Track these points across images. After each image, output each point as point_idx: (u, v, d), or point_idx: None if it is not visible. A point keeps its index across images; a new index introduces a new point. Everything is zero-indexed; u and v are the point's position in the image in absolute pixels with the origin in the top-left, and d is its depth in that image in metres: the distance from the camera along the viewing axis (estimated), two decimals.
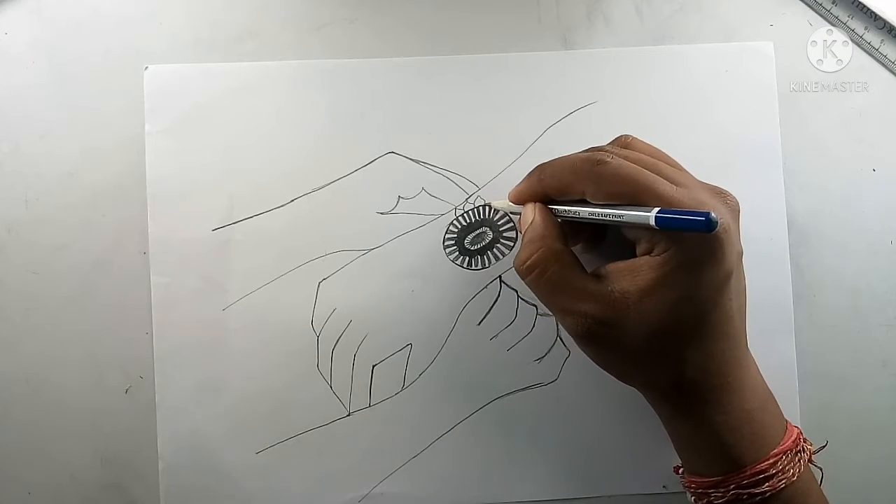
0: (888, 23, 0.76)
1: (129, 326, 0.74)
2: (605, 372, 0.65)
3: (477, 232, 0.74)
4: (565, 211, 0.64)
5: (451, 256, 0.74)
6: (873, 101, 0.77)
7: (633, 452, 0.74)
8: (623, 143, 0.67)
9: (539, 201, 0.66)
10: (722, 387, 0.62)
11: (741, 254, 0.62)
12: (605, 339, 0.61)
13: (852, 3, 0.77)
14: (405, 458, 0.74)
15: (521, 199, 0.67)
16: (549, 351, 0.74)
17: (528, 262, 0.64)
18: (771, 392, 0.66)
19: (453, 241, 0.74)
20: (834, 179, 0.77)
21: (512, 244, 0.74)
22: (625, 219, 0.59)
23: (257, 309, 0.74)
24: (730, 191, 0.63)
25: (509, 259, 0.74)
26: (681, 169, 0.65)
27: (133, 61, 0.75)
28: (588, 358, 0.65)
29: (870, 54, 0.77)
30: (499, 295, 0.74)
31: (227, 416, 0.74)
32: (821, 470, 0.66)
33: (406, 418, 0.74)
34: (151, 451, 0.74)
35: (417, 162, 0.75)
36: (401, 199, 0.74)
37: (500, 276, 0.74)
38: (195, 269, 0.74)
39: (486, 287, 0.74)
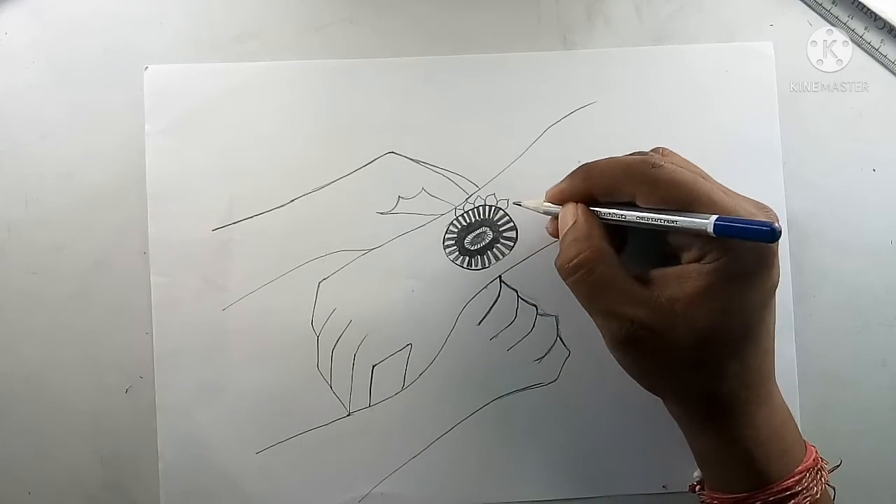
0: (888, 23, 0.76)
1: (129, 326, 0.74)
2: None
3: (477, 232, 0.74)
4: (609, 214, 0.63)
5: (451, 256, 0.74)
6: (873, 101, 0.77)
7: (633, 452, 0.74)
8: (662, 153, 0.67)
9: (580, 202, 0.65)
10: (753, 400, 0.62)
11: (779, 272, 0.62)
12: (648, 346, 0.60)
13: (852, 3, 0.76)
14: (405, 458, 0.74)
15: (561, 198, 0.66)
16: (548, 351, 0.74)
17: (574, 261, 0.62)
18: (790, 412, 0.66)
19: (453, 241, 0.74)
20: (834, 179, 0.77)
21: (512, 244, 0.74)
22: (679, 224, 0.58)
23: (257, 309, 0.74)
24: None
25: (509, 259, 0.74)
26: (715, 181, 0.65)
27: (133, 61, 0.75)
28: (614, 364, 0.64)
29: (870, 54, 0.77)
30: (499, 295, 0.74)
31: (227, 416, 0.74)
32: (833, 489, 0.66)
33: (406, 418, 0.74)
34: (151, 451, 0.74)
35: (417, 162, 0.75)
36: (401, 199, 0.74)
37: (500, 276, 0.74)
38: (195, 269, 0.74)
39: (486, 287, 0.74)
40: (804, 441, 0.65)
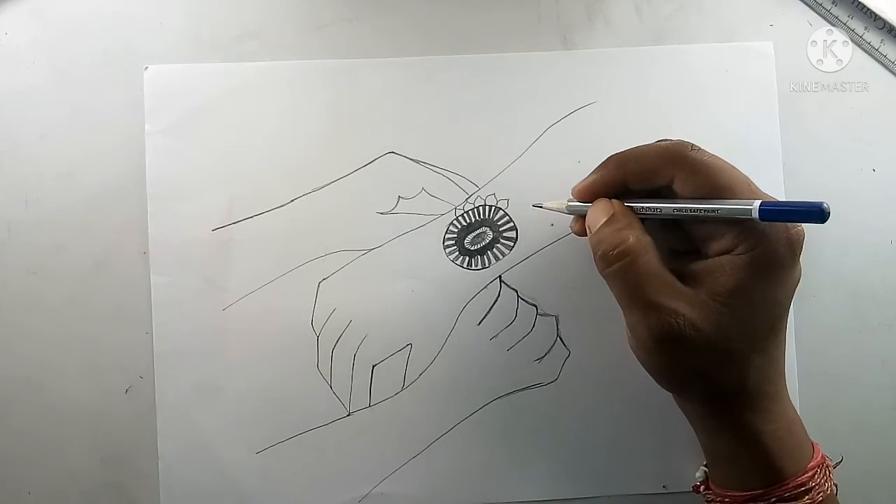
0: (888, 23, 0.76)
1: (129, 327, 0.74)
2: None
3: (477, 232, 0.74)
4: (643, 209, 0.62)
5: (451, 256, 0.74)
6: (873, 101, 0.77)
7: (633, 452, 0.74)
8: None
9: (612, 195, 0.64)
10: (772, 395, 0.62)
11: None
12: (689, 343, 0.58)
13: (852, 3, 0.76)
14: (405, 458, 0.74)
15: (592, 190, 0.65)
16: (548, 351, 0.74)
17: (619, 249, 0.60)
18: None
19: (453, 241, 0.74)
20: (834, 179, 0.77)
21: (512, 244, 0.74)
22: (720, 213, 0.57)
23: (257, 309, 0.74)
24: None
25: (509, 259, 0.74)
26: None
27: (133, 61, 0.75)
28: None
29: (870, 54, 0.77)
30: (499, 295, 0.74)
31: (226, 415, 0.74)
32: (836, 486, 0.66)
33: (406, 418, 0.74)
34: (151, 451, 0.74)
35: (417, 162, 0.75)
36: (401, 199, 0.74)
37: (500, 276, 0.74)
38: (195, 270, 0.74)
39: (486, 287, 0.74)
40: (811, 441, 0.65)
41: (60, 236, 0.74)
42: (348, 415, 0.74)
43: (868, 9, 0.76)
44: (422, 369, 0.74)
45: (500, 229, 0.75)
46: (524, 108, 0.75)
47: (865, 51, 0.77)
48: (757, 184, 0.60)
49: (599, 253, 0.62)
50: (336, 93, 0.75)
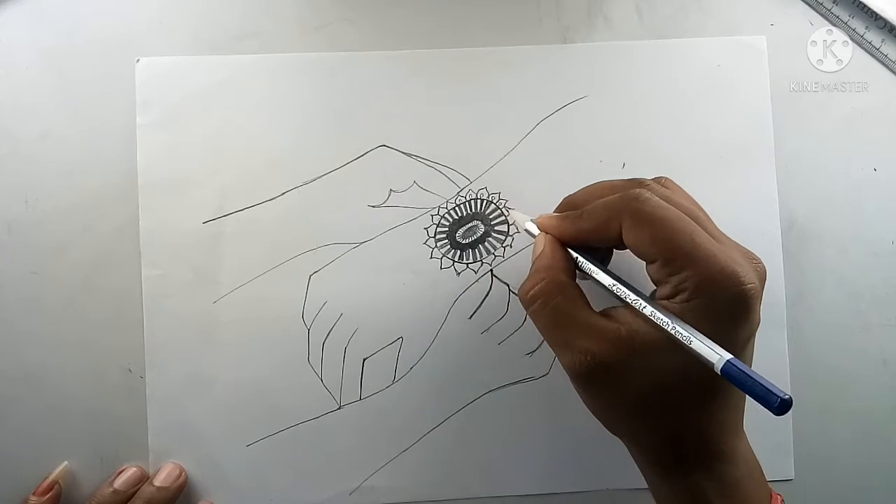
0: (888, 22, 0.76)
1: (129, 326, 0.74)
2: None
3: (469, 225, 0.74)
4: (582, 263, 0.63)
5: (443, 250, 0.74)
6: (873, 101, 0.77)
7: (623, 446, 0.73)
8: (662, 183, 0.64)
9: (569, 242, 0.63)
10: (715, 455, 0.59)
11: (759, 323, 0.59)
12: (604, 381, 0.57)
13: (853, 2, 0.76)
14: (396, 451, 0.74)
15: (547, 228, 0.64)
16: (540, 345, 0.74)
17: (531, 292, 0.61)
18: (758, 461, 0.62)
19: (445, 235, 0.74)
20: (834, 179, 0.77)
21: (503, 237, 0.74)
22: (693, 345, 0.53)
23: (248, 302, 0.74)
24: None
25: (501, 253, 0.74)
26: (712, 222, 0.62)
27: (133, 62, 0.75)
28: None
29: (870, 54, 0.77)
30: (490, 288, 0.74)
31: (217, 408, 0.74)
32: None
33: (397, 412, 0.74)
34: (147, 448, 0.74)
35: (409, 155, 0.75)
36: (392, 193, 0.74)
37: (491, 270, 0.74)
38: (186, 262, 0.74)
39: (477, 281, 0.74)
40: (770, 490, 0.62)
41: (60, 236, 0.75)
42: (339, 408, 0.74)
43: (869, 8, 0.76)
44: (413, 363, 0.74)
45: (492, 223, 0.75)
46: (516, 101, 0.75)
47: (866, 50, 0.77)
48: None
49: (519, 294, 0.63)
50: (327, 85, 0.75)
